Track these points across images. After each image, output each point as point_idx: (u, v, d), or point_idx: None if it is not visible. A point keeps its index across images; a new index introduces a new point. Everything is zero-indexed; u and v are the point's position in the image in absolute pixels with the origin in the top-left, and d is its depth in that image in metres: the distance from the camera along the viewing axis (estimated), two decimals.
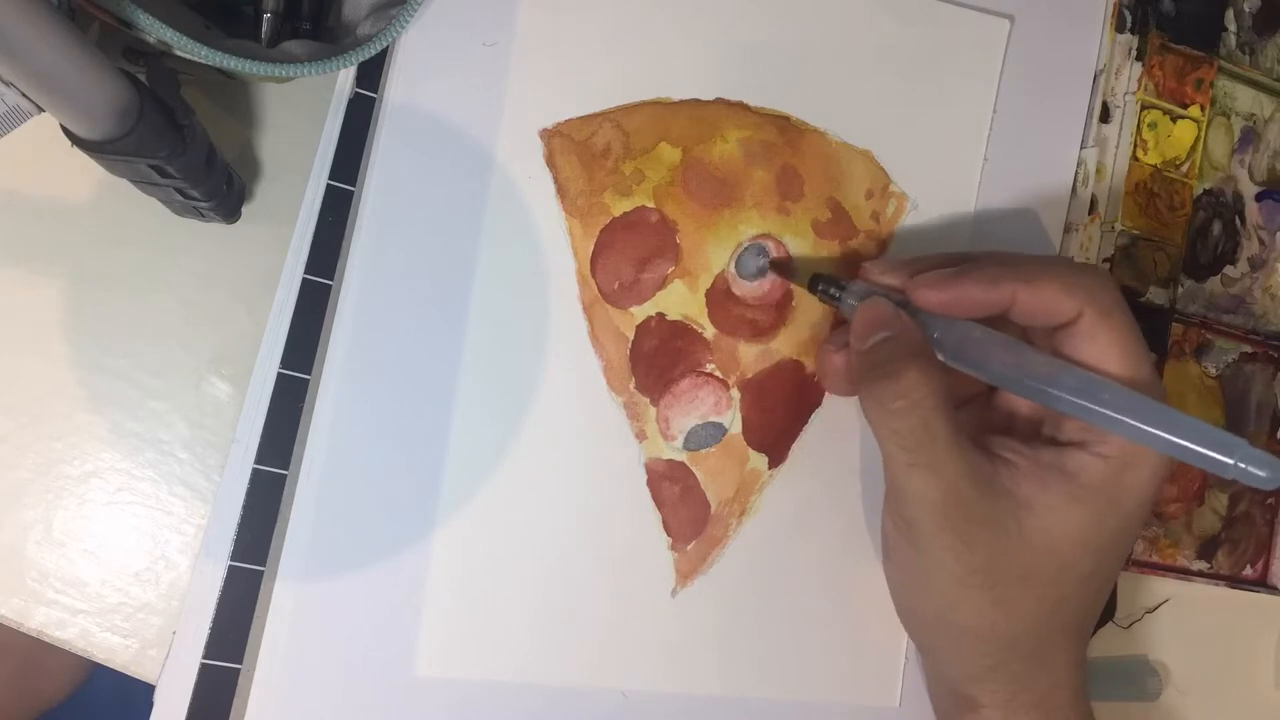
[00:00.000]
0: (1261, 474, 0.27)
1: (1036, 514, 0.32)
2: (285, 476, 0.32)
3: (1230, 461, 0.28)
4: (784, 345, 0.37)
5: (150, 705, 0.31)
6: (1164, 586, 0.44)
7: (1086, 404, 0.30)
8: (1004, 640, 0.33)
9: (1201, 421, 0.29)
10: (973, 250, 0.37)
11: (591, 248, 0.35)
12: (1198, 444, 0.28)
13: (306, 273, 0.33)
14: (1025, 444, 0.33)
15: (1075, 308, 0.32)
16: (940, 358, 0.33)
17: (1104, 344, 0.32)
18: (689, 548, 0.36)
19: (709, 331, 0.37)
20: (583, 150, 0.35)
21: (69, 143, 0.26)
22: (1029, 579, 0.32)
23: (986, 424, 0.36)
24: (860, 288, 0.35)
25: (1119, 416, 0.30)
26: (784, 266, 0.37)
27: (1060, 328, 0.33)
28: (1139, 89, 0.40)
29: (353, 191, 0.33)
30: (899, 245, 0.38)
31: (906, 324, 0.33)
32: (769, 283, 0.37)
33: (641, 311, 0.36)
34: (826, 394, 0.38)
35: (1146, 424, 0.29)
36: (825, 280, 0.36)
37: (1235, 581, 0.43)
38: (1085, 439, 0.32)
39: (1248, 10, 0.43)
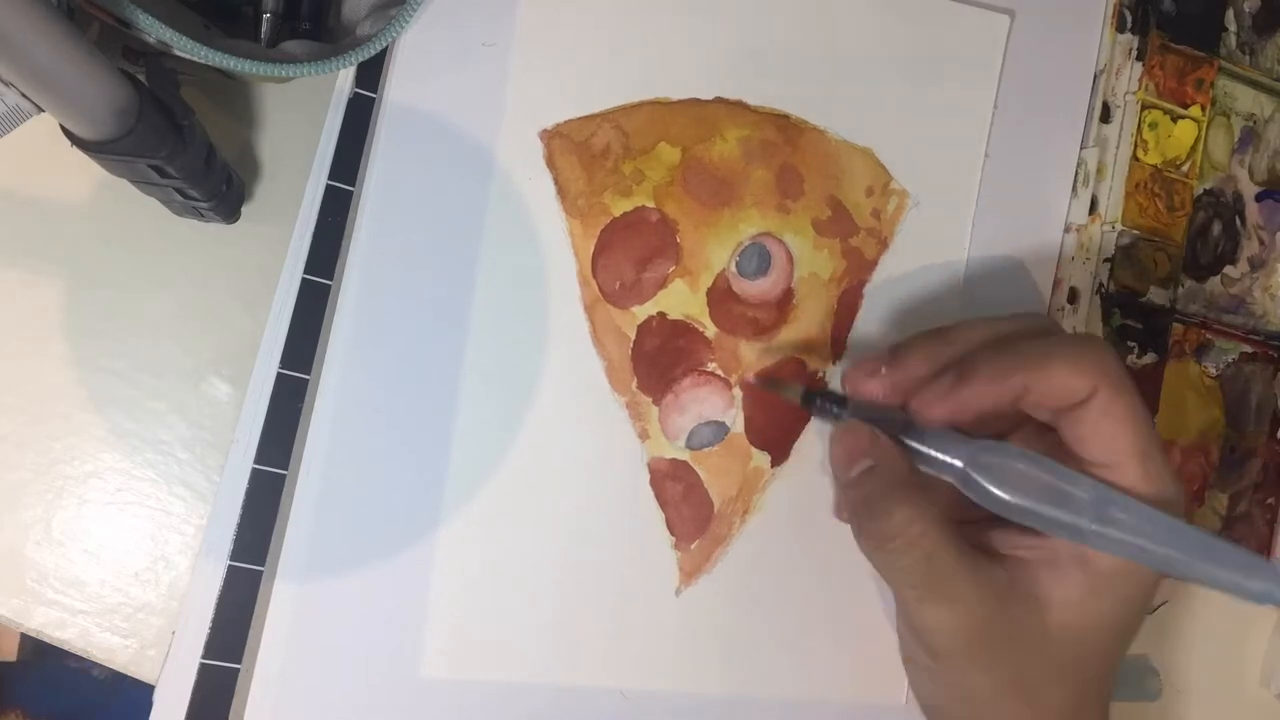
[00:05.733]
0: None
1: (1057, 610, 0.31)
2: (285, 476, 0.32)
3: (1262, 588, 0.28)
4: (785, 343, 0.37)
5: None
6: (1163, 587, 0.43)
7: (1132, 543, 0.30)
8: None
9: (1232, 545, 0.30)
10: (952, 326, 0.34)
11: (592, 248, 0.35)
12: (1232, 570, 0.29)
13: (306, 273, 0.33)
14: (1028, 533, 0.32)
15: (1089, 386, 0.30)
16: (947, 477, 0.32)
17: (1118, 420, 0.31)
18: (692, 547, 0.36)
19: (710, 330, 0.36)
20: (582, 151, 0.35)
21: (69, 143, 0.26)
22: (1060, 675, 0.32)
23: (974, 512, 0.33)
24: (859, 405, 0.33)
25: (1168, 553, 0.30)
26: (777, 384, 0.36)
27: (1068, 408, 0.31)
28: (1139, 89, 0.40)
29: (352, 191, 0.33)
30: (900, 243, 0.38)
31: (886, 451, 0.32)
32: (770, 280, 0.37)
33: (643, 311, 0.36)
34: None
35: (1190, 556, 0.30)
36: (821, 396, 0.34)
37: None
38: None
39: (1248, 10, 0.43)
